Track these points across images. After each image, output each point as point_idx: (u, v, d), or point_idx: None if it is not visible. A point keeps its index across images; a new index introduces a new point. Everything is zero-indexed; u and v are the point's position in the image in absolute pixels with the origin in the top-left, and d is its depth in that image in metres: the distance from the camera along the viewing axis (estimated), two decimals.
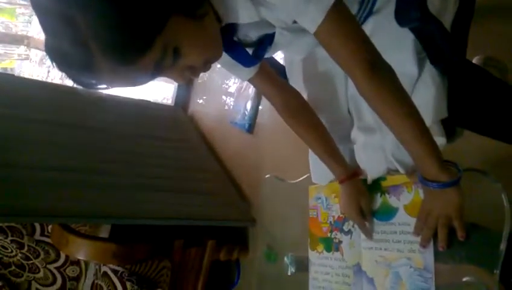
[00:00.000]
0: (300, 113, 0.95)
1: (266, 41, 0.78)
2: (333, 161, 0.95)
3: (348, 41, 0.65)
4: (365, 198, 0.93)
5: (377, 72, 0.66)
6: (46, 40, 0.58)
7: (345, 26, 0.65)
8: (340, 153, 0.95)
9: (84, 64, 0.56)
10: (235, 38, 0.76)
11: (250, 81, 0.90)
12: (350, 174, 0.94)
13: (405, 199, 0.86)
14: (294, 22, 0.70)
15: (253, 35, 0.78)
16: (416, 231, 0.81)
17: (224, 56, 0.75)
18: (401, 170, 0.87)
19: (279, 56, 1.08)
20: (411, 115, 0.69)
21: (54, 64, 0.58)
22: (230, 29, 0.72)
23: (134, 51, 0.56)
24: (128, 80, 0.62)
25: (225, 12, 0.68)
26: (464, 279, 0.75)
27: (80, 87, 0.63)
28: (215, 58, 0.71)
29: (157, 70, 0.61)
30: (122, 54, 0.56)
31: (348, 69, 0.68)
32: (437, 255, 0.78)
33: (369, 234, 0.92)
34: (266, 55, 0.83)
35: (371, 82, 0.66)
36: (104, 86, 0.63)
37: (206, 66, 0.69)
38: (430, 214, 0.77)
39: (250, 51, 0.79)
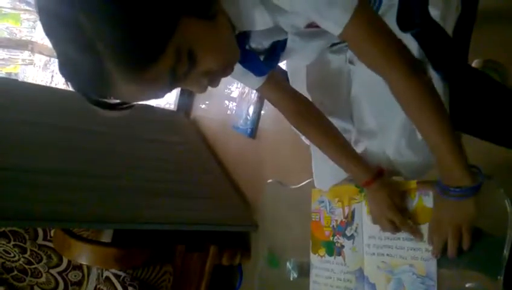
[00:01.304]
0: (313, 119, 0.93)
1: (278, 49, 0.77)
2: (353, 163, 0.90)
3: (380, 41, 0.64)
4: (398, 195, 0.86)
5: (417, 74, 0.65)
6: (58, 58, 0.55)
7: (373, 25, 0.64)
8: (358, 155, 0.91)
9: (98, 77, 0.54)
10: (247, 47, 0.75)
11: (259, 89, 0.88)
12: (375, 174, 0.87)
13: (408, 205, 0.85)
14: (307, 26, 0.69)
15: (265, 42, 0.77)
16: (430, 240, 0.79)
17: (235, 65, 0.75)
18: (403, 174, 0.87)
19: (281, 63, 1.08)
20: (445, 115, 0.69)
21: (69, 84, 0.56)
22: (243, 37, 0.72)
23: (146, 58, 0.53)
24: (145, 91, 0.58)
25: (239, 20, 0.67)
26: (467, 285, 0.74)
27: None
28: (234, 60, 0.67)
29: (173, 79, 0.57)
30: (134, 62, 0.53)
31: (381, 67, 0.67)
32: (440, 261, 0.78)
33: (419, 234, 0.82)
34: (278, 63, 0.82)
35: (413, 84, 0.65)
36: (123, 103, 0.60)
37: (225, 71, 0.66)
38: (441, 224, 0.76)
39: (261, 58, 0.78)
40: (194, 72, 0.60)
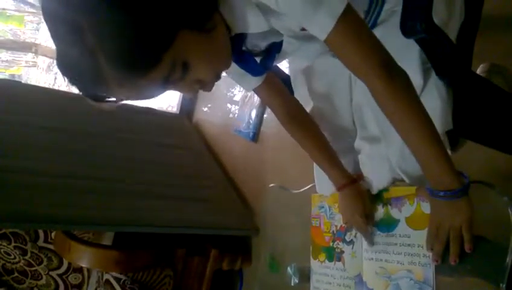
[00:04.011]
0: (303, 122, 0.96)
1: (274, 50, 0.78)
2: (333, 168, 0.95)
3: (361, 47, 0.64)
4: (368, 202, 0.93)
5: (393, 76, 0.65)
6: (57, 53, 0.58)
7: (356, 32, 0.64)
8: (339, 161, 0.95)
9: (93, 77, 0.56)
10: (244, 48, 0.76)
11: (255, 90, 0.90)
12: (350, 181, 0.94)
13: (407, 211, 0.85)
14: (302, 29, 0.69)
15: (261, 44, 0.78)
16: (429, 245, 0.78)
17: (233, 66, 0.75)
18: (407, 180, 0.86)
19: (283, 65, 1.09)
20: (426, 120, 0.69)
21: (64, 78, 0.59)
22: (239, 39, 0.73)
23: (142, 66, 0.56)
24: (137, 93, 0.61)
25: (235, 22, 0.68)
26: None
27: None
28: (225, 68, 0.71)
29: (166, 84, 0.61)
30: (129, 69, 0.56)
31: (363, 74, 0.67)
32: (441, 268, 0.77)
33: (371, 240, 0.91)
34: (273, 64, 0.83)
35: (388, 86, 0.65)
36: (114, 99, 0.63)
37: (216, 78, 0.69)
38: (440, 227, 0.76)
39: (257, 60, 0.79)
40: (187, 79, 0.63)
